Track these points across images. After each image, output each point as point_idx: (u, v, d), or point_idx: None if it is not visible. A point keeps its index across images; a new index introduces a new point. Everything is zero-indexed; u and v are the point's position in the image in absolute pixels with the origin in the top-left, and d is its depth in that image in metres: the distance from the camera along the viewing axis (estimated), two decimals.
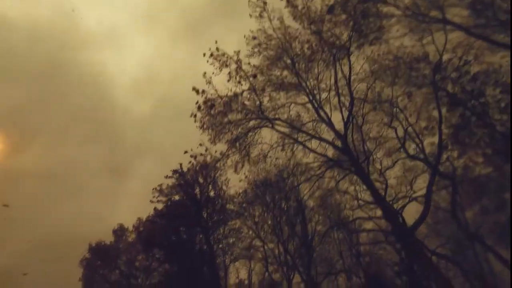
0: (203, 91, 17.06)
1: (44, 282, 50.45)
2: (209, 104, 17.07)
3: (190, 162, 20.28)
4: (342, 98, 19.97)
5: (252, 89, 17.84)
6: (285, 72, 21.40)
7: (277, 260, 33.04)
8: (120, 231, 38.72)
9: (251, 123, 18.31)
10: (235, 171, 18.92)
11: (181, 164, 30.04)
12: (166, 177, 29.49)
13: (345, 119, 17.57)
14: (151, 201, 28.44)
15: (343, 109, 19.14)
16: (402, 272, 22.80)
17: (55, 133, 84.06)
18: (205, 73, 16.88)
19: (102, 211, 70.43)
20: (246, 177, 19.68)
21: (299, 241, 27.06)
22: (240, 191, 29.69)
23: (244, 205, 33.00)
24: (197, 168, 28.84)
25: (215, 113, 17.21)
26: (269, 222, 31.50)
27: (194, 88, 16.93)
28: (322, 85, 20.62)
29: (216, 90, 17.21)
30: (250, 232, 34.81)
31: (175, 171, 29.56)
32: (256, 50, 19.95)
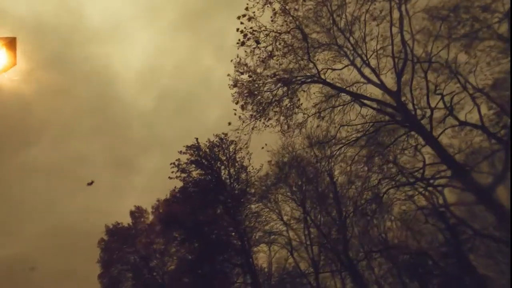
0: (251, 18, 15.09)
1: (55, 272, 50.38)
2: (254, 36, 15.15)
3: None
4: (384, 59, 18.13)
5: (298, 28, 15.92)
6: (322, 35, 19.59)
7: (302, 245, 31.25)
8: (138, 213, 37.46)
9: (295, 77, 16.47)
10: (281, 131, 17.16)
11: (197, 139, 28.30)
12: (180, 152, 27.77)
13: (398, 71, 15.55)
14: (170, 178, 26.82)
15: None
16: (450, 253, 20.83)
17: (61, 127, 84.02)
18: (247, 7, 14.96)
19: (109, 204, 70.04)
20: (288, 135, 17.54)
21: (331, 220, 25.20)
22: (262, 165, 27.80)
23: (264, 187, 31.26)
24: (216, 142, 27.23)
25: (260, 53, 15.44)
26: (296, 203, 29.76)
27: (239, 16, 14.99)
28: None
29: (260, 26, 15.25)
30: (273, 215, 33.18)
31: (190, 147, 27.81)
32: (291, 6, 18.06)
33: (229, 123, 16.61)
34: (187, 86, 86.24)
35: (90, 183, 23.71)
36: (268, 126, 16.68)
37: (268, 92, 16.40)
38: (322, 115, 19.54)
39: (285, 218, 32.68)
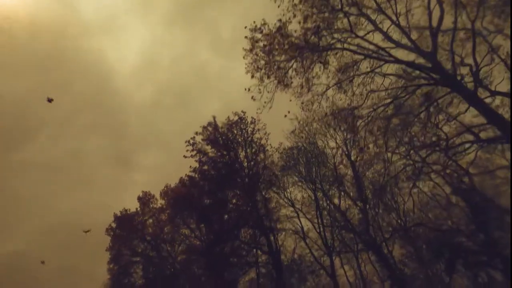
0: None
1: (57, 268, 49.98)
2: None
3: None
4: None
5: None
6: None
7: (317, 231, 30.22)
8: (145, 198, 36.42)
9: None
10: (297, 96, 16.26)
11: (214, 117, 27.13)
12: (196, 133, 26.74)
13: (434, 29, 14.57)
14: (185, 156, 25.86)
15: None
16: (476, 232, 19.85)
17: (59, 123, 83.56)
18: None
19: (108, 199, 69.46)
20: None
21: (350, 200, 24.26)
22: (281, 144, 26.86)
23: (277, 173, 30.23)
24: (234, 120, 26.27)
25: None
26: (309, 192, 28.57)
27: None
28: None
29: None
30: (283, 202, 32.19)
31: (207, 126, 26.73)
32: None
33: (252, 76, 15.64)
34: (184, 80, 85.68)
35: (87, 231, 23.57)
36: (287, 85, 15.72)
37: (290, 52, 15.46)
38: (343, 85, 18.68)
39: (297, 205, 31.92)
